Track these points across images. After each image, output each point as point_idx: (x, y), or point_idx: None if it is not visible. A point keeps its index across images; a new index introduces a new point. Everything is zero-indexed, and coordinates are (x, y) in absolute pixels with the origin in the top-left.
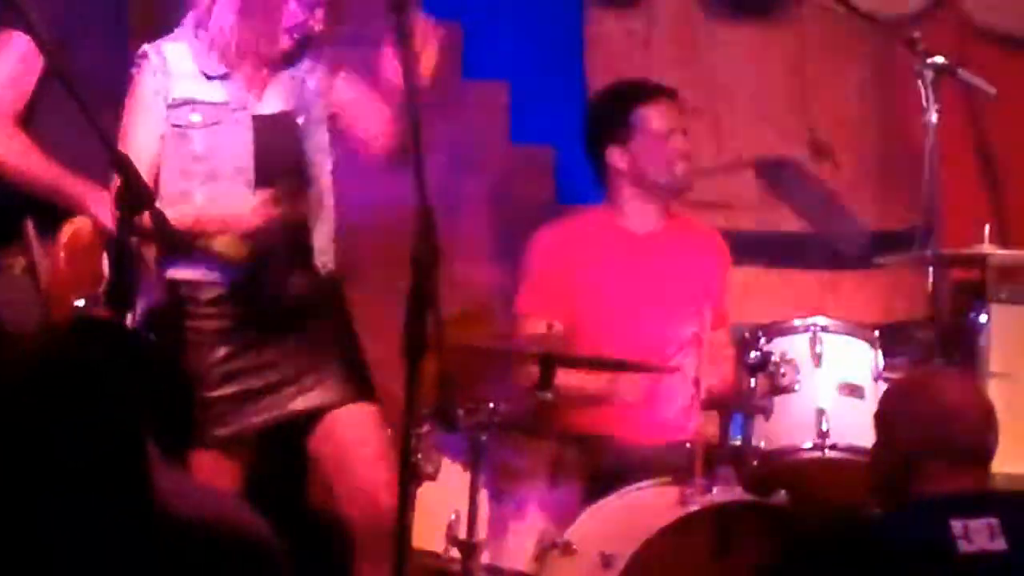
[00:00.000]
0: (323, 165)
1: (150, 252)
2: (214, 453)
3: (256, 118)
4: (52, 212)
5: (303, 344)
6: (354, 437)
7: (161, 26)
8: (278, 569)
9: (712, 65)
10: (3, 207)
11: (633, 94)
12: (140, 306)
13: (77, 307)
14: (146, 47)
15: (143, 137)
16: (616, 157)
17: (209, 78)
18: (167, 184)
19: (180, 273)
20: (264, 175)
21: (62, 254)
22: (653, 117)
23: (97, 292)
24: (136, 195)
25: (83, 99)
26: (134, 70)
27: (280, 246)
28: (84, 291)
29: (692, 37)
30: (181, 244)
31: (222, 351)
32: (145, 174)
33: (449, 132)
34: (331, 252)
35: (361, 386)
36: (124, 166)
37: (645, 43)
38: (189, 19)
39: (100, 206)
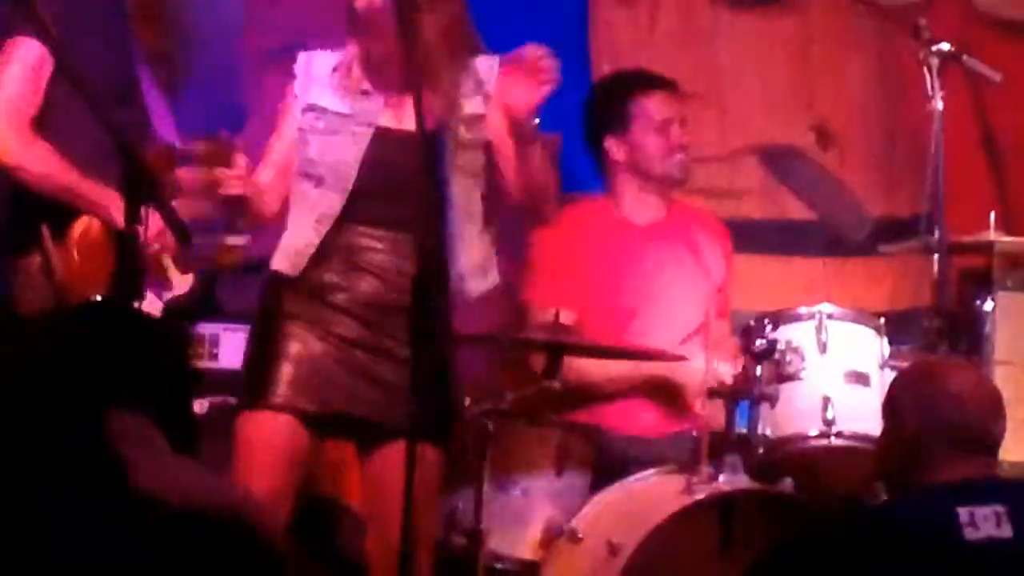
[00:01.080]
0: (461, 187)
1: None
2: (285, 418)
3: (379, 131)
4: (65, 215)
5: (397, 355)
6: (402, 477)
7: (161, 24)
8: (276, 564)
9: (717, 53)
10: (22, 217)
11: (631, 84)
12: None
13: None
14: (300, 53)
15: (278, 139)
16: (614, 147)
17: (345, 91)
18: (294, 184)
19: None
20: (368, 187)
21: (75, 252)
22: (650, 107)
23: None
24: (142, 186)
25: (91, 95)
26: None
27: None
28: (99, 287)
29: (697, 25)
30: (188, 234)
31: (314, 331)
32: (275, 172)
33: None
34: (476, 279)
35: (439, 423)
36: (130, 157)
37: (650, 31)
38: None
39: (118, 209)
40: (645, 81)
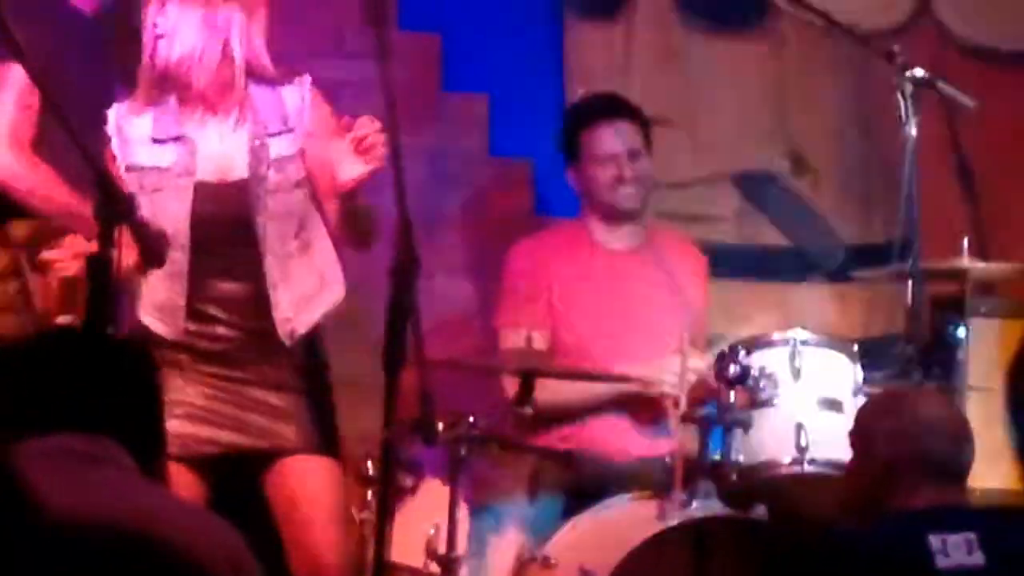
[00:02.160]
0: (275, 233)
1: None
2: (177, 465)
3: (199, 185)
4: (42, 241)
5: (272, 382)
6: (308, 491)
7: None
8: None
9: (691, 77)
10: None
11: (581, 117)
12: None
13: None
14: (110, 110)
15: None
16: (572, 178)
17: (159, 142)
18: None
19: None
20: (202, 241)
21: (53, 282)
22: (596, 142)
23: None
24: (115, 208)
25: (70, 120)
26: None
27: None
28: (77, 313)
29: (671, 49)
30: (162, 256)
31: (188, 378)
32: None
33: (428, 145)
34: (306, 312)
35: (324, 438)
36: (103, 179)
37: (625, 55)
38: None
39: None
40: (595, 112)
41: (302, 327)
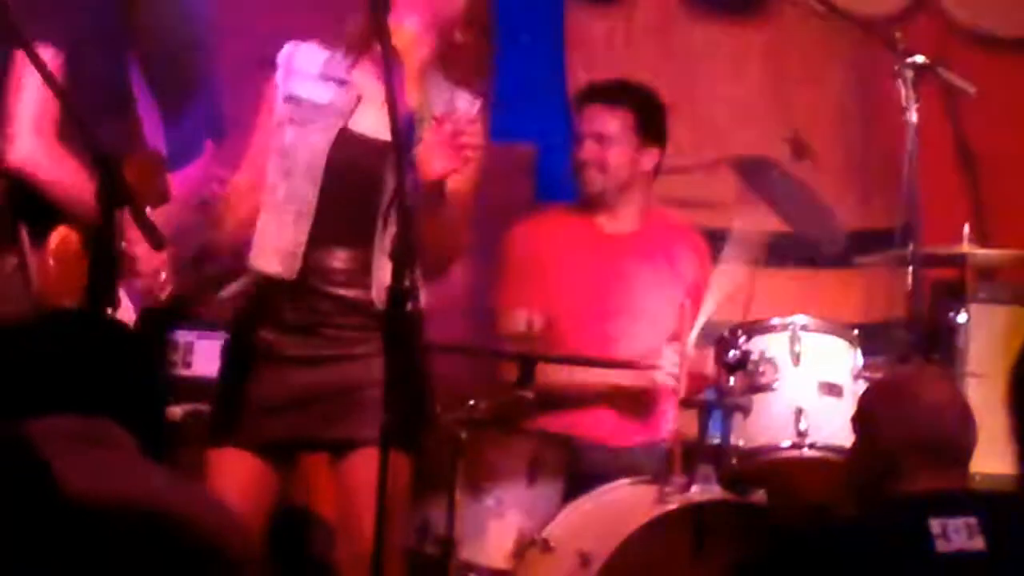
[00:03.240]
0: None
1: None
2: (254, 458)
3: (345, 131)
4: (45, 220)
5: (361, 364)
6: (371, 486)
7: (157, 33)
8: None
9: (692, 63)
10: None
11: (576, 99)
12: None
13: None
14: (287, 43)
15: (261, 136)
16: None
17: (325, 79)
18: (269, 173)
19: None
20: (332, 183)
21: (51, 260)
22: (577, 123)
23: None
24: (116, 191)
25: (73, 104)
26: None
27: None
28: (73, 297)
29: (672, 35)
30: (163, 241)
31: (284, 357)
32: (253, 173)
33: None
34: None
35: (410, 435)
36: (105, 163)
37: (625, 41)
38: None
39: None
40: (581, 96)
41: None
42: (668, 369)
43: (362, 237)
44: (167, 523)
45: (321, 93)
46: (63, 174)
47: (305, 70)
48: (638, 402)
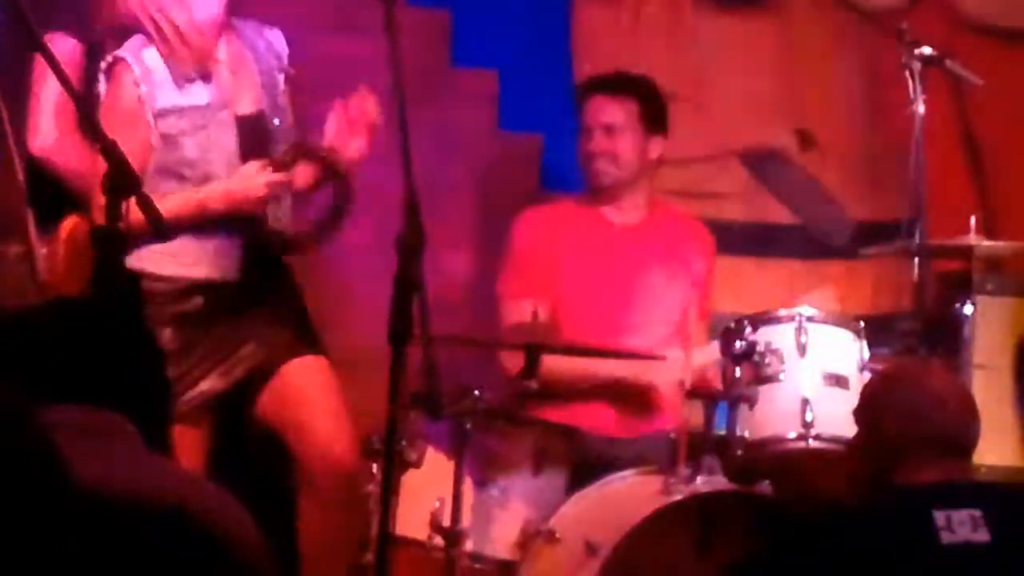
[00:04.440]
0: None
1: None
2: (177, 427)
3: (239, 118)
4: (53, 209)
5: (254, 313)
6: (308, 387)
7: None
8: (224, 558)
9: (699, 54)
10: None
11: (578, 92)
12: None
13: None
14: (123, 54)
15: (130, 146)
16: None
17: (188, 80)
18: (156, 187)
19: (144, 265)
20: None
21: (61, 249)
22: (581, 115)
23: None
24: (123, 180)
25: (75, 91)
26: (105, 76)
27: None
28: (82, 285)
29: (679, 26)
30: (169, 230)
31: (177, 334)
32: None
33: (436, 119)
34: (288, 215)
35: (310, 339)
36: (110, 151)
37: (632, 32)
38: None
39: None
40: (586, 87)
41: (287, 222)
42: (674, 372)
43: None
44: (176, 517)
45: (194, 95)
46: (82, 164)
47: (163, 78)
48: (642, 393)
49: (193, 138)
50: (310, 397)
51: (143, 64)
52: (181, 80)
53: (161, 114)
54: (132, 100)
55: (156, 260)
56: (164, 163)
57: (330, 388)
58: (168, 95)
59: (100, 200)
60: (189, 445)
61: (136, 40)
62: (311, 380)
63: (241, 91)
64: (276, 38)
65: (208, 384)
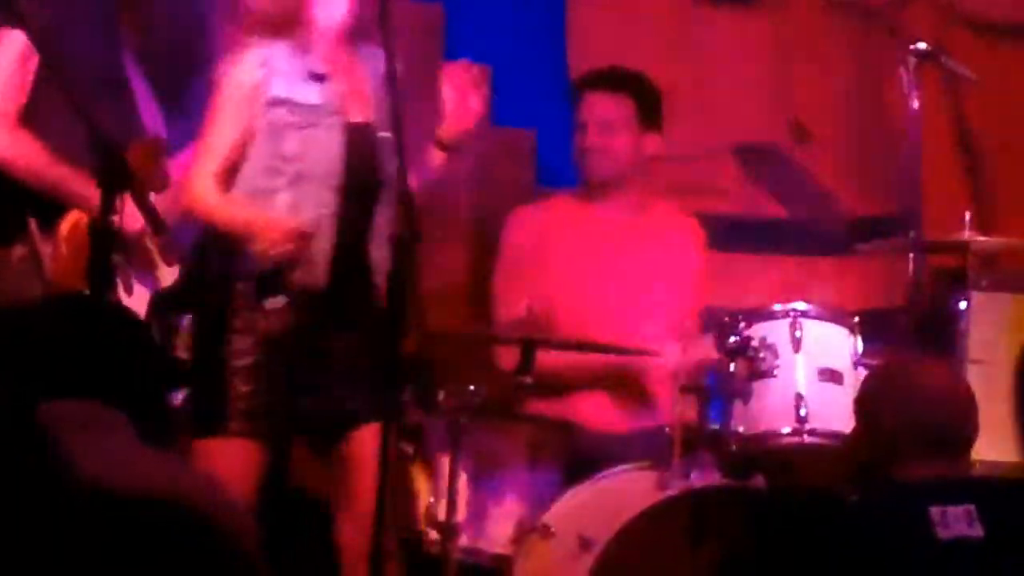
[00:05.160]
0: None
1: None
2: (246, 443)
3: (348, 125)
4: (54, 209)
5: (352, 346)
6: (372, 459)
7: (157, 17)
8: (228, 554)
9: (694, 49)
10: (6, 208)
11: (574, 88)
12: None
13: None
14: (251, 40)
15: (223, 132)
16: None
17: (309, 79)
18: (251, 179)
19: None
20: (351, 182)
21: (63, 247)
22: (577, 111)
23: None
24: (117, 176)
25: (73, 89)
26: (229, 63)
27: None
28: (85, 283)
29: (675, 21)
30: (164, 226)
31: (262, 344)
32: (217, 168)
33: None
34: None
35: (395, 401)
36: (107, 150)
37: (627, 27)
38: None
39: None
40: (582, 83)
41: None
42: (669, 359)
43: (358, 225)
44: (173, 511)
45: (310, 93)
46: (24, 158)
47: (286, 70)
48: (636, 388)
49: (298, 134)
50: (370, 472)
51: (262, 52)
52: (301, 76)
53: (272, 103)
54: (249, 82)
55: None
56: (262, 153)
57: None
58: (284, 86)
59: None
60: (244, 460)
61: (240, 26)
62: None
63: (353, 100)
64: (379, 59)
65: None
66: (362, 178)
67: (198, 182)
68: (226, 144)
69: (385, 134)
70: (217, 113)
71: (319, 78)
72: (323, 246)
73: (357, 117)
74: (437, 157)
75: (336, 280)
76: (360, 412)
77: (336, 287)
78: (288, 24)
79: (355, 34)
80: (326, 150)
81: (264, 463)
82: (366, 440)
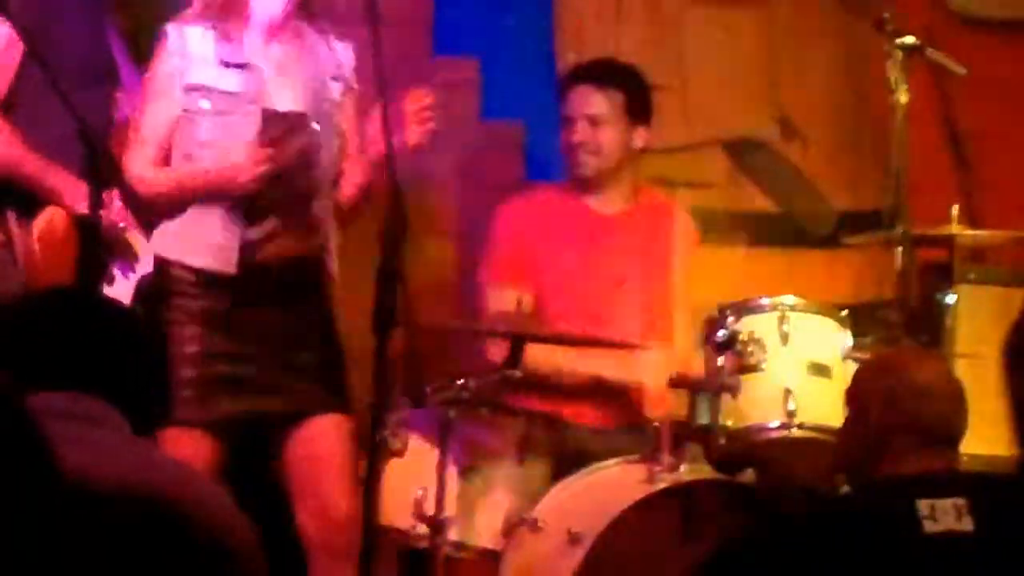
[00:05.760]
0: (326, 175)
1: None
2: (193, 432)
3: (268, 114)
4: (33, 202)
5: (288, 337)
6: (324, 448)
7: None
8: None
9: (682, 43)
10: None
11: (562, 81)
12: (130, 283)
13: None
14: (168, 26)
15: (153, 118)
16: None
17: (226, 65)
18: (175, 167)
19: (172, 253)
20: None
21: (36, 244)
22: (563, 105)
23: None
24: (105, 170)
25: (59, 80)
26: (157, 47)
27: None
28: (63, 277)
29: (663, 15)
30: (152, 218)
31: (204, 331)
32: (153, 154)
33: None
34: (331, 232)
35: (337, 395)
36: (93, 142)
37: (616, 21)
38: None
39: (78, 199)
40: (570, 76)
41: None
42: (658, 369)
43: (297, 215)
44: (163, 507)
45: (229, 80)
46: (5, 153)
47: (202, 55)
48: (624, 396)
49: (211, 120)
50: (325, 460)
51: (183, 37)
52: (221, 63)
53: (188, 89)
54: (165, 71)
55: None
56: (180, 139)
57: (345, 452)
58: (201, 73)
59: (137, 170)
60: (197, 452)
61: (185, 15)
62: (330, 442)
63: (281, 91)
64: (343, 51)
65: (229, 407)
66: (284, 167)
67: (142, 170)
68: (158, 132)
69: (316, 125)
70: (146, 101)
71: (241, 66)
72: (228, 233)
73: (284, 107)
74: (363, 173)
75: (271, 267)
76: (308, 405)
77: (273, 274)
78: (225, 11)
79: (315, 23)
80: (240, 137)
81: (219, 455)
82: (317, 432)
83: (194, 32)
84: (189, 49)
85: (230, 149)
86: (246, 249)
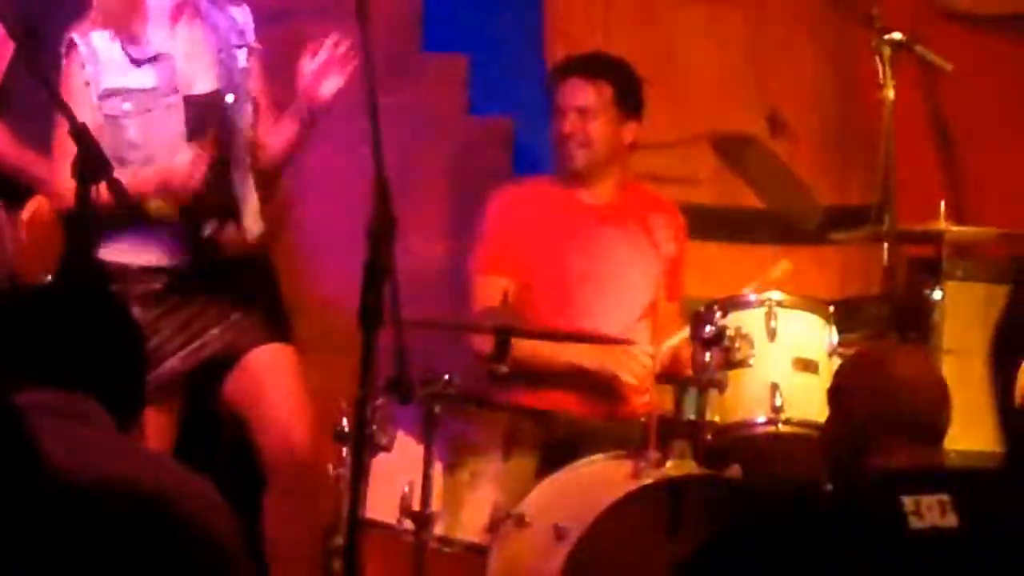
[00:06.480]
0: (240, 143)
1: None
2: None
3: (189, 100)
4: (20, 193)
5: (225, 294)
6: (269, 374)
7: None
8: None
9: (670, 38)
10: None
11: (551, 73)
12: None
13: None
14: (72, 35)
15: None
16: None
17: (136, 63)
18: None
19: (110, 254)
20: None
21: (24, 233)
22: (554, 97)
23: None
24: (94, 165)
25: (47, 77)
26: (63, 58)
27: (211, 210)
28: (49, 268)
29: (651, 10)
30: (137, 211)
31: (142, 312)
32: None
33: (408, 104)
34: (256, 224)
35: (278, 328)
36: (82, 136)
37: (605, 16)
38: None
39: (68, 190)
40: (561, 68)
41: (253, 235)
42: (640, 362)
43: (219, 184)
44: (149, 503)
45: (144, 78)
46: (8, 148)
47: (110, 59)
48: (607, 386)
49: (136, 120)
50: (271, 385)
51: (90, 45)
52: (132, 62)
53: (105, 95)
54: (78, 82)
55: (113, 251)
56: (107, 146)
57: (292, 376)
58: (114, 77)
59: (62, 184)
60: (155, 426)
61: (86, 22)
62: (273, 368)
63: (196, 73)
64: (241, 14)
65: (172, 363)
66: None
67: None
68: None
69: (229, 97)
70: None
71: (152, 60)
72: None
73: (201, 89)
74: (290, 128)
75: (206, 250)
76: (244, 340)
77: (206, 262)
78: (123, 11)
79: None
80: (167, 130)
81: (170, 429)
82: (258, 360)
83: (100, 37)
84: (99, 55)
85: (157, 144)
86: (195, 244)
